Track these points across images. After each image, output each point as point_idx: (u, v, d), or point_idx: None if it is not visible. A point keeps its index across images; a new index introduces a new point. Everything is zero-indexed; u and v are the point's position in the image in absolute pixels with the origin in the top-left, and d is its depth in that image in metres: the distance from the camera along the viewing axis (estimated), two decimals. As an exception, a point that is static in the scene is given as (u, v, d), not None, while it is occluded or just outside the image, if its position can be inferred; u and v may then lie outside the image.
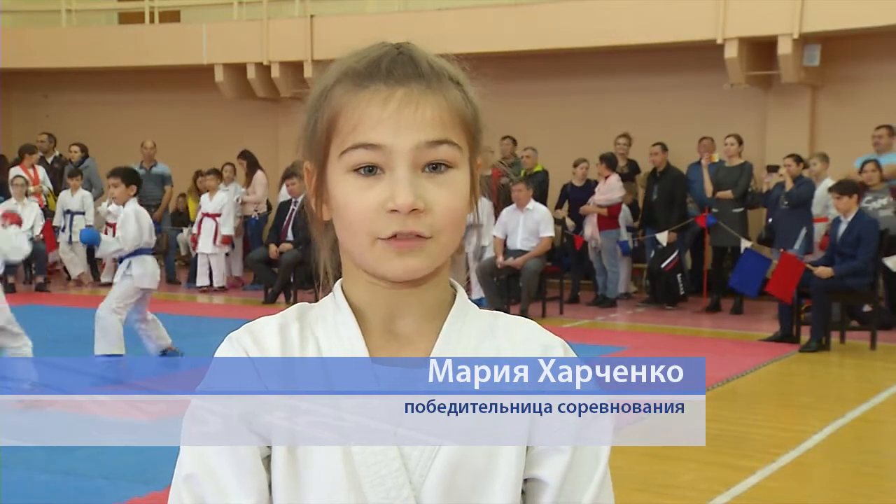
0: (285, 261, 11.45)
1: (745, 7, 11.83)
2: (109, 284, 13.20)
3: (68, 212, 13.16)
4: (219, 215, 12.62)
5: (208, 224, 12.67)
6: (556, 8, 12.82)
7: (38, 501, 4.58)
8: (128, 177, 7.45)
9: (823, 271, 8.78)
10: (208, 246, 12.60)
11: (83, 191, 13.29)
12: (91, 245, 8.35)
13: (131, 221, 7.25)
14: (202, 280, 12.74)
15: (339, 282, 1.20)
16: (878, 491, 5.00)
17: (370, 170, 1.08)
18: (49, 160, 14.29)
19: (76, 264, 13.29)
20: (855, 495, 4.90)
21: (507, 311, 1.34)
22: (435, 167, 1.09)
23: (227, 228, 12.65)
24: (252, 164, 13.31)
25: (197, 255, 12.93)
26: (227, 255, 12.91)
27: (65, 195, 13.24)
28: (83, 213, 13.15)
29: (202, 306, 11.77)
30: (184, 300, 12.24)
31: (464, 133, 1.12)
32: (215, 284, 12.69)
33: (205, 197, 12.85)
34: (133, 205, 7.36)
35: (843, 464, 5.48)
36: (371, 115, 1.08)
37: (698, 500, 4.70)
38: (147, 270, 7.32)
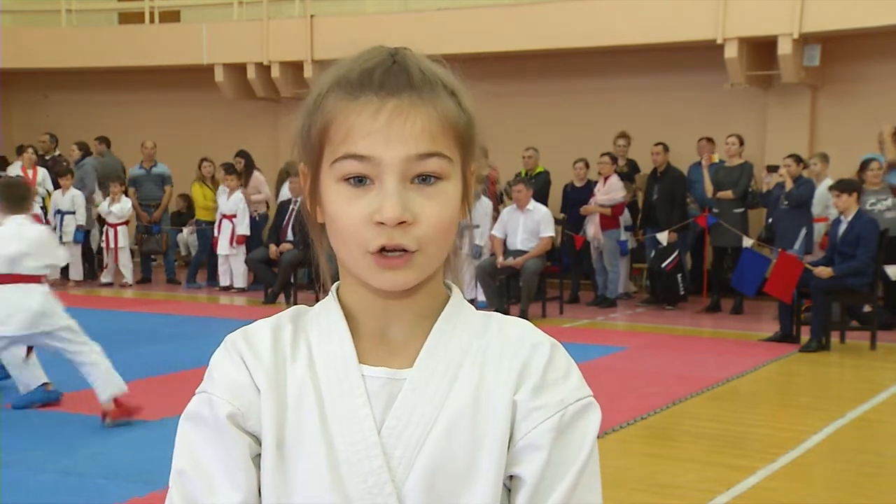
0: (285, 261, 11.45)
1: (745, 7, 11.84)
2: (110, 284, 13.33)
3: (59, 211, 13.17)
4: (234, 216, 12.64)
5: (226, 225, 12.69)
6: (556, 8, 12.82)
7: (38, 501, 4.58)
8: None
9: (823, 271, 8.78)
10: (225, 247, 12.65)
11: (74, 190, 13.30)
12: None
13: None
14: (224, 280, 12.80)
15: (335, 284, 1.22)
16: (878, 491, 5.00)
17: (360, 180, 1.09)
18: (46, 159, 14.29)
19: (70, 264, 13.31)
20: (855, 495, 4.89)
21: (507, 312, 1.34)
22: (424, 179, 1.10)
23: (243, 228, 12.67)
24: (249, 165, 13.32)
25: (205, 256, 13.02)
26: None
27: (56, 195, 13.25)
28: (73, 213, 13.15)
29: (202, 306, 11.77)
30: (184, 300, 12.25)
31: (456, 143, 1.12)
32: (236, 285, 12.73)
33: (222, 199, 12.85)
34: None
35: (843, 464, 5.47)
36: (361, 126, 1.09)
37: (698, 500, 4.70)
38: None
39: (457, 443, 1.12)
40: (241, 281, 12.76)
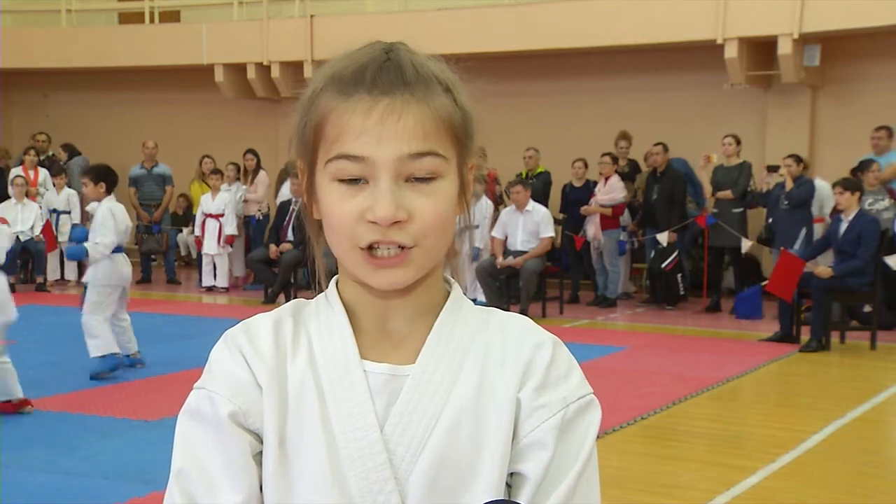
0: (285, 261, 11.45)
1: (745, 7, 11.84)
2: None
3: (54, 211, 13.17)
4: (221, 215, 12.65)
5: (211, 224, 12.71)
6: (556, 8, 12.82)
7: (38, 501, 4.58)
8: (97, 175, 7.13)
9: (824, 271, 8.78)
10: (213, 247, 12.65)
11: (68, 189, 13.31)
12: (79, 260, 8.32)
13: (109, 219, 7.00)
14: (207, 280, 12.80)
15: (334, 278, 1.21)
16: (878, 491, 5.00)
17: (354, 180, 1.09)
18: (42, 159, 14.31)
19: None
20: (855, 495, 4.89)
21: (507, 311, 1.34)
22: (419, 178, 1.09)
23: (231, 228, 12.69)
24: (257, 165, 13.40)
25: (200, 255, 12.99)
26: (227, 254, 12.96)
27: (50, 194, 13.27)
28: (69, 213, 13.15)
29: (202, 306, 11.77)
30: (183, 300, 12.25)
31: (451, 141, 1.11)
32: (219, 285, 12.73)
33: (206, 197, 12.86)
34: (109, 202, 7.12)
35: (843, 464, 5.47)
36: (354, 125, 1.08)
37: (698, 500, 4.70)
38: (116, 268, 7.10)
39: (460, 439, 1.12)
40: (224, 281, 12.76)
